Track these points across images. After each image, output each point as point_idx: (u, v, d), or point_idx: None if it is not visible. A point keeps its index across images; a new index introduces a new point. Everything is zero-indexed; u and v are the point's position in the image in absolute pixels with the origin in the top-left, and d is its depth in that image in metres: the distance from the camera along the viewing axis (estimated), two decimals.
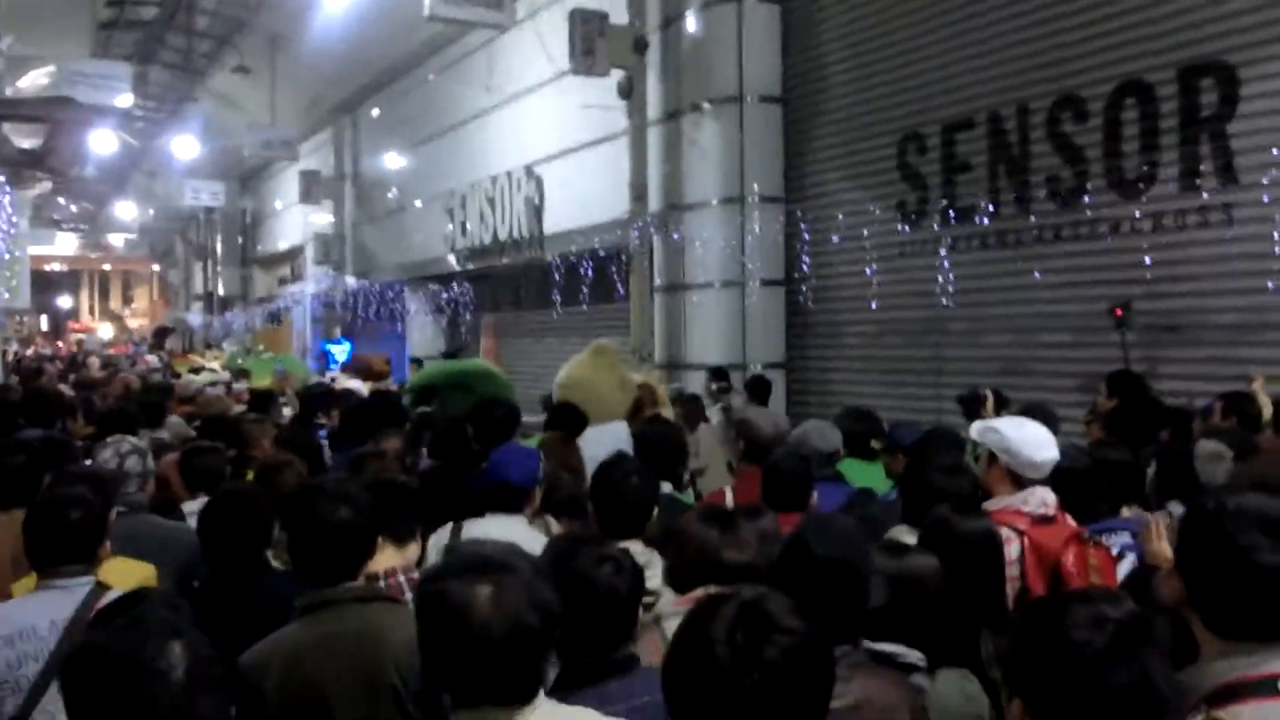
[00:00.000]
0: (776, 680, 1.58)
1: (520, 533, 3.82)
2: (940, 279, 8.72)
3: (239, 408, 9.02)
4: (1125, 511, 4.02)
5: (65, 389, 13.35)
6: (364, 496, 2.93)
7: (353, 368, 14.12)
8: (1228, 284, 6.80)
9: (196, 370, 15.62)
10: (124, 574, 3.42)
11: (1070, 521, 3.58)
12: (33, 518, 3.15)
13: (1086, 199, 7.64)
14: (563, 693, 2.16)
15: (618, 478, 3.54)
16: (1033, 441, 3.66)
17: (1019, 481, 3.63)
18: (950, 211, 8.73)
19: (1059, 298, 7.84)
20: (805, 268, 10.21)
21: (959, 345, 8.72)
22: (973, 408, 6.31)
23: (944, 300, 8.71)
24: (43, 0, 16.93)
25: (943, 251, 8.77)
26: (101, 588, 3.06)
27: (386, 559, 3.16)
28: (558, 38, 11.85)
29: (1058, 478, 3.70)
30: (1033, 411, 4.98)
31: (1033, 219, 8.05)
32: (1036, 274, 7.98)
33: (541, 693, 1.96)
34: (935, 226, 8.89)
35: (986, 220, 8.40)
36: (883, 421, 5.71)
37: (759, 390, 8.47)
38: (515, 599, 1.87)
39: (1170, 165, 7.11)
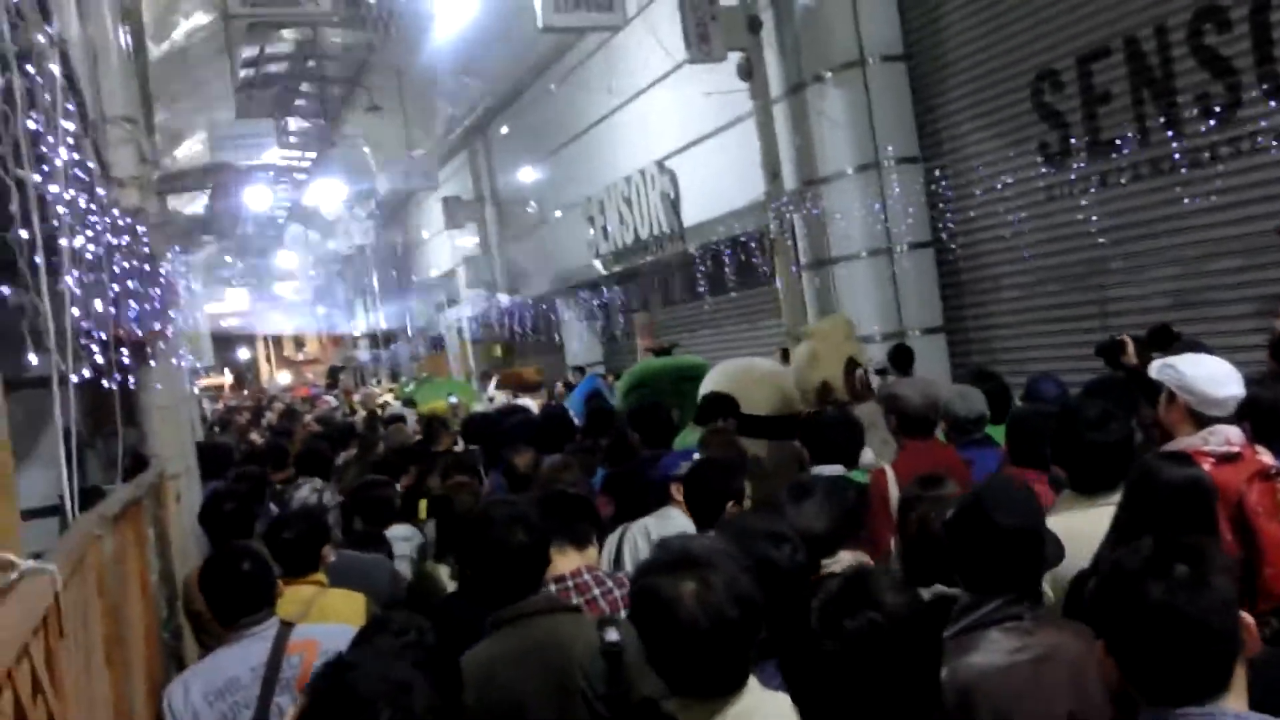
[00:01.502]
0: (856, 650, 1.66)
1: (682, 523, 4.02)
2: (1093, 218, 8.37)
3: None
4: None
5: (255, 438, 14.13)
6: (535, 515, 3.01)
7: (507, 383, 14.44)
8: None
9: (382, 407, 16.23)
10: (339, 608, 3.67)
11: (1262, 457, 3.36)
12: (208, 578, 3.33)
13: (1241, 113, 7.21)
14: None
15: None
16: (1212, 377, 3.45)
17: (1200, 420, 3.43)
18: (1095, 146, 8.36)
19: (1224, 220, 7.43)
20: (951, 226, 9.94)
21: (1123, 285, 8.35)
22: (1113, 356, 6.00)
23: (1100, 240, 8.36)
24: (186, 72, 17.83)
25: (1093, 189, 8.42)
26: (286, 626, 3.25)
27: (570, 561, 3.31)
28: (671, 29, 11.84)
29: (1248, 409, 3.50)
30: (1193, 348, 4.74)
31: (1185, 142, 7.63)
32: (1196, 200, 7.57)
33: (751, 679, 2.06)
34: (1081, 164, 8.53)
35: (1137, 150, 8.01)
36: (1004, 381, 5.61)
37: (901, 360, 8.28)
38: (718, 594, 1.99)
39: None
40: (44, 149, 2.39)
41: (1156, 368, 3.62)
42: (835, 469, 4.62)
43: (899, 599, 1.72)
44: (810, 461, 4.93)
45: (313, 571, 3.89)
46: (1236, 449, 3.32)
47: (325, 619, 3.54)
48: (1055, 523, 2.77)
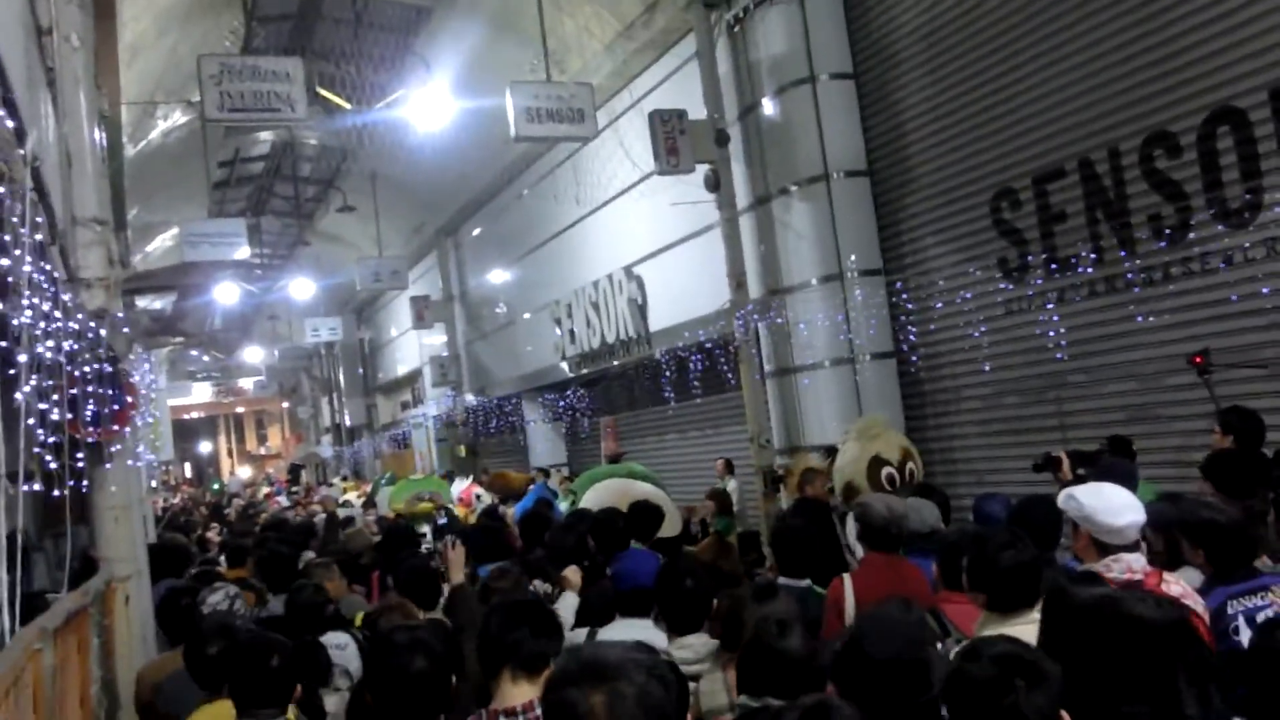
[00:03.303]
0: None
1: (650, 635, 4.02)
2: (1051, 333, 8.53)
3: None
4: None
5: (212, 536, 13.91)
6: (437, 642, 3.03)
7: (495, 486, 14.35)
8: None
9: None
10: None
11: (1167, 586, 3.41)
12: (238, 658, 3.43)
13: (1191, 235, 7.42)
14: None
15: (677, 578, 3.90)
16: (1111, 507, 3.57)
17: (1103, 548, 3.56)
18: (1052, 263, 8.56)
19: (1176, 337, 7.57)
20: (913, 337, 10.09)
21: (1081, 399, 8.47)
22: (1050, 472, 6.09)
23: (1058, 354, 8.51)
24: (161, 170, 17.98)
25: (1050, 304, 8.59)
26: None
27: (521, 693, 3.16)
28: (640, 140, 12.10)
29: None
30: (1112, 471, 4.85)
31: (1138, 261, 7.84)
32: (1150, 317, 7.74)
33: None
34: (1039, 280, 8.72)
35: (1091, 268, 8.20)
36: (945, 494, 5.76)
37: None
38: (630, 706, 1.94)
39: (1277, 189, 6.88)
40: (6, 268, 2.41)
41: (1062, 499, 3.73)
42: (802, 583, 4.66)
43: None
44: (777, 573, 4.98)
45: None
46: (1139, 576, 3.41)
47: None
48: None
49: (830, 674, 2.61)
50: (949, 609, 3.81)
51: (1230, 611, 3.50)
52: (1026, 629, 2.82)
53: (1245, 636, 3.42)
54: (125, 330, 6.78)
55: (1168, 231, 7.60)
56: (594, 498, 8.20)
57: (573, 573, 5.38)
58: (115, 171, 9.43)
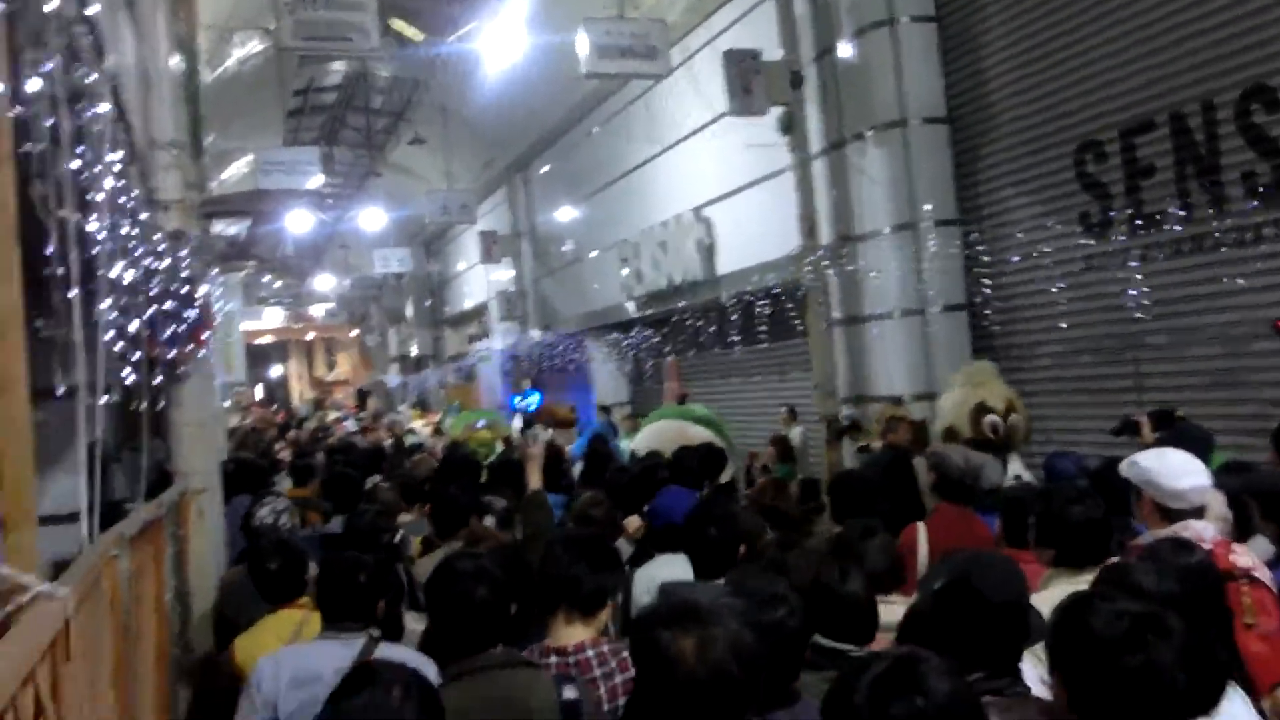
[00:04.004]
0: None
1: (683, 572, 4.09)
2: (1133, 291, 8.31)
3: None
4: None
5: (284, 456, 14.22)
6: (498, 570, 3.07)
7: (540, 418, 14.46)
8: None
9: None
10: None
11: (1236, 558, 3.34)
12: (328, 575, 3.58)
13: None
14: None
15: (702, 526, 3.97)
16: (1173, 471, 3.49)
17: (1168, 514, 3.49)
18: (1137, 219, 8.31)
19: (1264, 301, 7.34)
20: (986, 290, 9.90)
21: (1160, 360, 8.26)
22: (1131, 435, 5.95)
23: (1139, 314, 8.29)
24: (237, 97, 18.14)
25: (1133, 262, 8.36)
26: (373, 641, 3.48)
27: (574, 634, 3.19)
28: (713, 81, 11.93)
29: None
30: (1184, 435, 4.76)
31: (1227, 220, 7.58)
32: (1237, 279, 7.50)
33: None
34: (1122, 236, 8.47)
35: (1179, 226, 7.96)
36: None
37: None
38: (720, 650, 1.98)
39: None
40: (88, 183, 2.43)
41: (1124, 465, 3.66)
42: None
43: (946, 685, 1.71)
44: (833, 519, 4.98)
45: (298, 596, 4.10)
46: (1207, 545, 3.30)
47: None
48: (1041, 598, 2.85)
49: (930, 613, 2.58)
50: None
51: None
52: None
53: None
54: (201, 252, 6.88)
55: (1261, 190, 7.33)
56: (646, 439, 8.19)
57: (632, 522, 5.40)
58: (192, 97, 9.50)
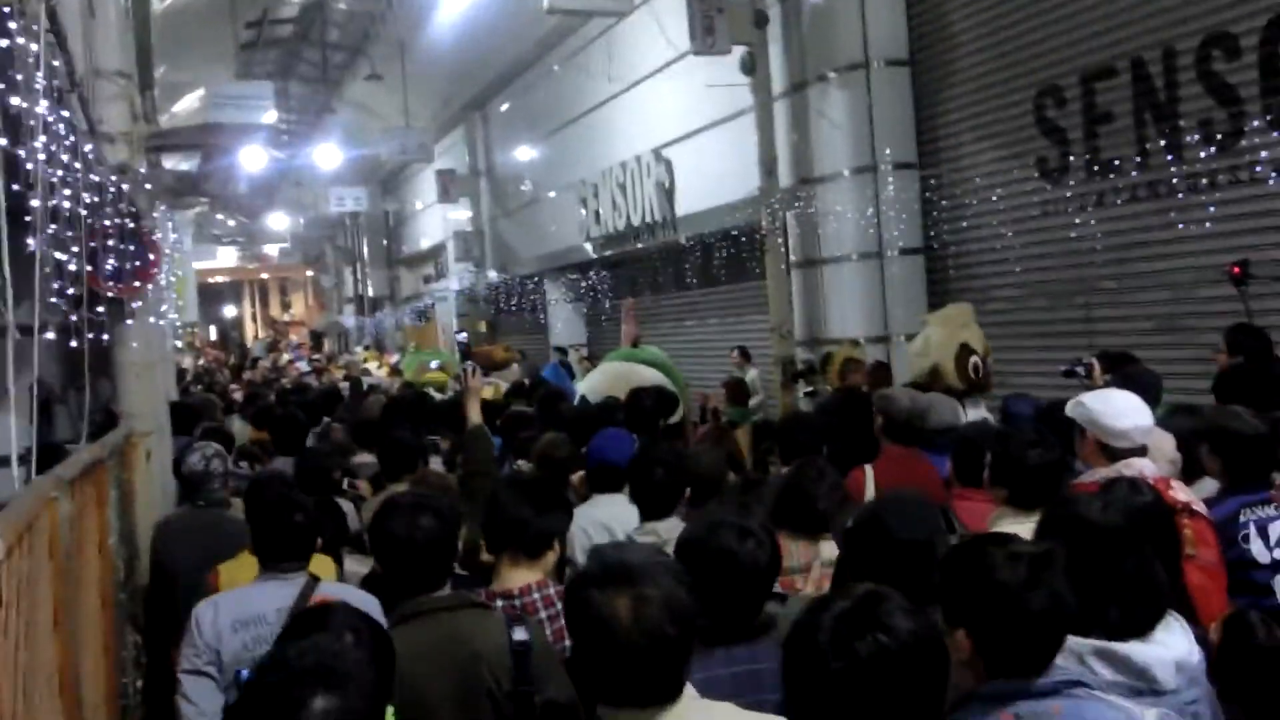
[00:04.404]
0: (864, 672, 1.68)
1: (623, 512, 4.11)
2: (1087, 237, 8.35)
3: None
4: None
5: (237, 396, 14.08)
6: (444, 506, 3.03)
7: (476, 358, 14.36)
8: None
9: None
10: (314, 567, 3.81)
11: (1175, 493, 3.44)
12: (263, 516, 3.58)
13: (1242, 142, 7.19)
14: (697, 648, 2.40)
15: (648, 467, 3.94)
16: (1116, 410, 3.59)
17: (1111, 453, 3.57)
18: (1094, 165, 8.33)
19: (1217, 248, 7.39)
20: (943, 234, 9.92)
21: (1110, 305, 8.33)
22: (1081, 378, 6.00)
23: (1092, 259, 8.34)
24: (189, 28, 17.68)
25: (1088, 208, 8.39)
26: (314, 579, 3.51)
27: (520, 576, 3.19)
28: (676, 19, 11.76)
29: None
30: (1134, 378, 4.84)
31: (1184, 167, 7.61)
32: (1191, 225, 7.55)
33: (687, 688, 2.04)
34: (1079, 182, 8.50)
35: (1134, 172, 7.99)
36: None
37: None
38: (655, 610, 1.96)
39: None
40: (21, 108, 2.34)
41: (1070, 405, 3.73)
42: None
43: (910, 624, 1.73)
44: (781, 461, 4.98)
45: None
46: (1149, 481, 3.37)
47: None
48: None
49: (843, 549, 2.66)
50: (960, 505, 3.82)
51: (1242, 520, 3.53)
52: None
53: (1256, 545, 3.49)
54: (148, 187, 6.71)
55: (1218, 137, 7.36)
56: (593, 382, 8.11)
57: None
58: (141, 26, 9.24)
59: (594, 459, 4.60)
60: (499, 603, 3.07)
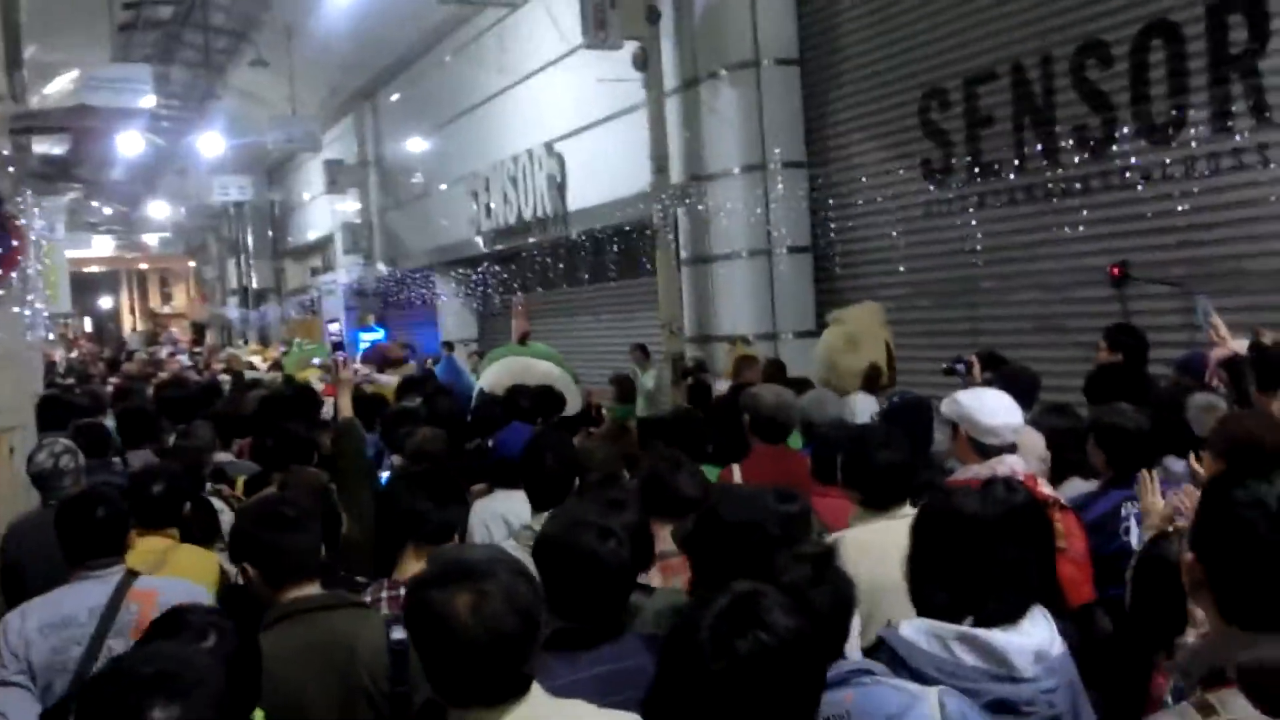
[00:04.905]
0: (744, 671, 1.63)
1: (522, 507, 4.02)
2: (969, 237, 8.55)
3: None
4: None
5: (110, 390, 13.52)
6: (310, 503, 3.05)
7: (370, 359, 14.12)
8: (1267, 228, 6.57)
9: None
10: (190, 563, 3.77)
11: (1043, 489, 3.55)
12: (62, 515, 3.42)
13: (1115, 147, 7.42)
14: (560, 651, 2.39)
15: (539, 455, 3.85)
16: (988, 408, 3.66)
17: (983, 450, 3.63)
18: (976, 167, 8.52)
19: (1091, 249, 7.63)
20: (831, 233, 10.05)
21: (991, 304, 8.54)
22: (960, 376, 6.15)
23: (974, 259, 8.53)
24: (61, 7, 16.95)
25: (970, 209, 8.59)
26: (131, 574, 3.33)
27: (420, 567, 3.11)
28: (569, 12, 11.71)
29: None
30: (1012, 377, 4.96)
31: (1060, 171, 7.83)
32: (1067, 228, 7.78)
33: (535, 686, 2.01)
34: (961, 184, 8.70)
35: (1013, 175, 8.20)
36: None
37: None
38: (495, 605, 1.93)
39: (1201, 108, 6.88)
40: None
41: (945, 403, 3.81)
42: None
43: (789, 621, 1.70)
44: None
45: (170, 526, 3.95)
46: (1019, 478, 3.46)
47: (175, 574, 3.57)
48: (849, 535, 3.07)
49: (686, 551, 2.69)
50: (819, 503, 3.83)
51: (1123, 513, 3.63)
52: (898, 524, 2.85)
53: (1135, 537, 3.55)
54: (11, 169, 6.41)
55: (1091, 143, 7.59)
56: (493, 377, 8.08)
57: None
58: (7, 3, 8.83)
59: (496, 453, 4.54)
60: (401, 590, 3.00)
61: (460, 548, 3.04)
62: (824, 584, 2.07)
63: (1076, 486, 3.92)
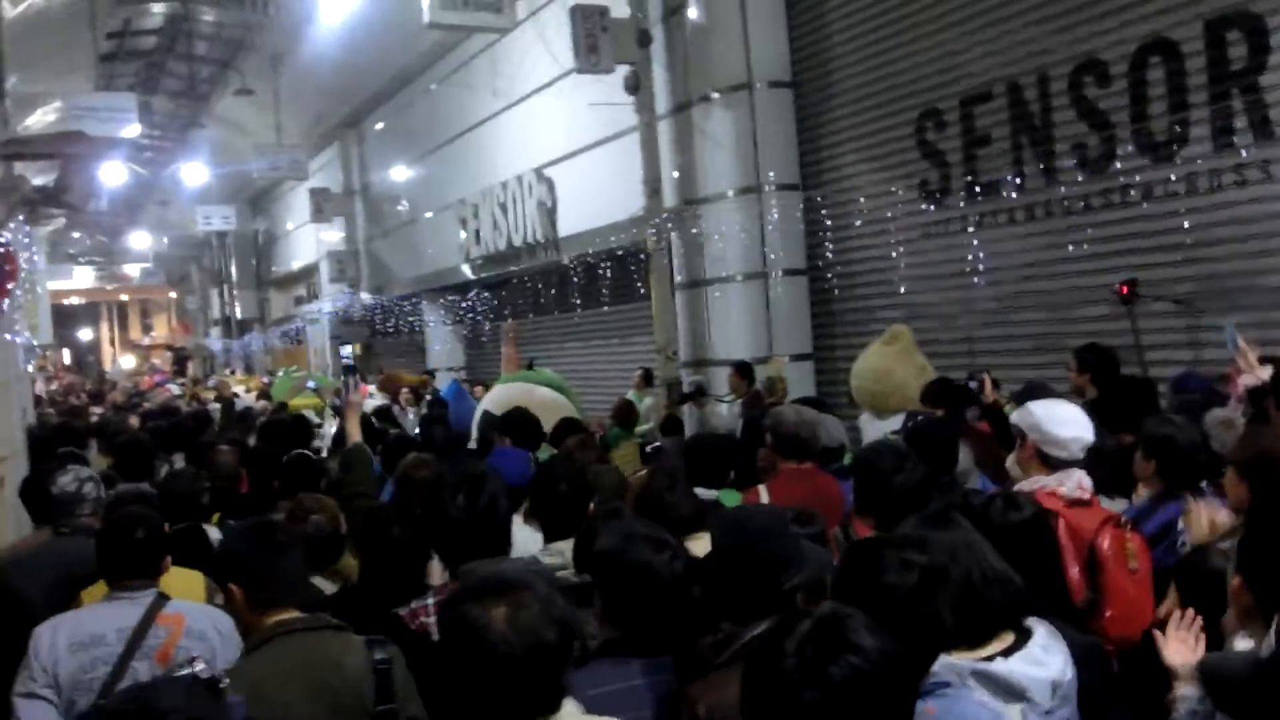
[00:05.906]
0: (838, 698, 1.58)
1: (518, 532, 3.90)
2: (967, 258, 8.51)
3: None
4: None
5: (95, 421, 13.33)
6: (298, 533, 3.21)
7: (383, 386, 14.00)
8: (1272, 244, 6.56)
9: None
10: (179, 586, 3.70)
11: (1106, 506, 3.55)
12: (104, 534, 3.49)
13: (1115, 165, 7.41)
14: (614, 659, 2.47)
15: (551, 483, 3.79)
16: (1060, 420, 3.62)
17: (1049, 462, 3.59)
18: (974, 188, 8.50)
19: (1091, 269, 7.60)
20: (828, 255, 10.01)
21: (990, 325, 8.50)
22: (975, 393, 6.14)
23: (973, 279, 8.50)
24: (44, 37, 16.86)
25: (969, 229, 8.56)
26: (162, 598, 3.39)
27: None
28: (560, 37, 11.69)
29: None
30: (1033, 390, 4.96)
31: (1060, 190, 7.81)
32: (1068, 247, 7.75)
33: (568, 701, 1.98)
34: (959, 204, 8.66)
35: (1012, 194, 8.17)
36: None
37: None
38: (532, 616, 1.92)
39: (1202, 124, 6.88)
40: None
41: (1016, 414, 3.77)
42: (709, 494, 4.54)
43: (877, 641, 1.64)
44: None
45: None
46: (1087, 496, 3.49)
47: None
48: None
49: (705, 580, 2.68)
50: (862, 527, 3.77)
51: (1180, 527, 3.57)
52: None
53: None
54: (3, 194, 6.31)
55: (1091, 161, 7.58)
56: (495, 401, 8.06)
57: None
58: None
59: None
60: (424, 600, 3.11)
61: (494, 563, 3.03)
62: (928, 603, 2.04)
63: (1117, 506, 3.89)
